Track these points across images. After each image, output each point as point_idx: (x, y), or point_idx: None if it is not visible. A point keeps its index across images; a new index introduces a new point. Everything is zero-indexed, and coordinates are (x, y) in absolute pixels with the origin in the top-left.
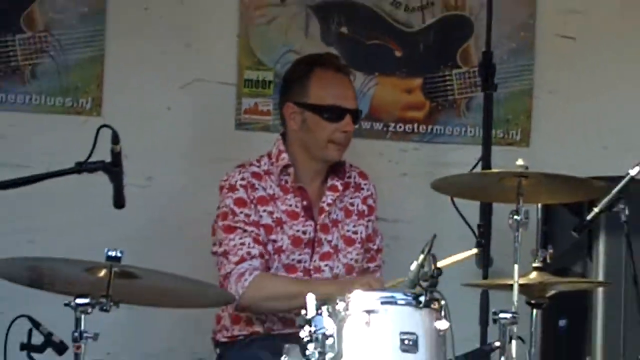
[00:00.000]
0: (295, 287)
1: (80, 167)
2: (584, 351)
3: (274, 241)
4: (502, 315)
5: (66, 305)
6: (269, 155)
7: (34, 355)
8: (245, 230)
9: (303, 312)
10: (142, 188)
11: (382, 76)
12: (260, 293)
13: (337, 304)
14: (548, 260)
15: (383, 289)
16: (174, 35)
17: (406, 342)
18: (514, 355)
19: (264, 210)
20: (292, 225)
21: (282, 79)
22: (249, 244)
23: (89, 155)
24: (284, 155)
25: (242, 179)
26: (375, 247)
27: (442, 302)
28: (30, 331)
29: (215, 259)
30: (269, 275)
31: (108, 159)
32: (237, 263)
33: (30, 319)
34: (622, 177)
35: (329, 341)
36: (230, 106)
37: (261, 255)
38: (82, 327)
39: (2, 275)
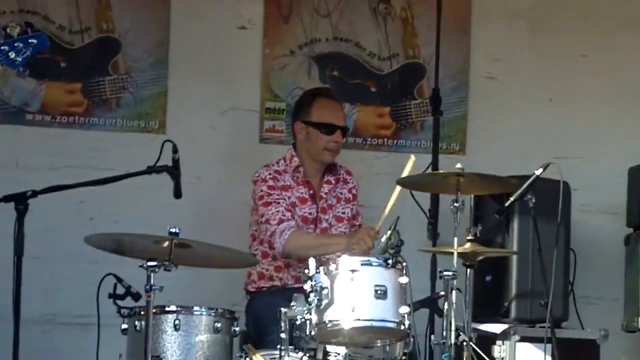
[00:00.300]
0: (320, 239)
1: (151, 170)
2: (503, 298)
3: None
4: (445, 273)
5: (140, 266)
6: (284, 159)
7: (118, 302)
8: (278, 203)
9: (306, 271)
10: (192, 184)
11: (362, 105)
12: (296, 244)
13: (330, 265)
14: (478, 235)
15: (361, 255)
16: (217, 77)
17: (378, 292)
18: (454, 301)
19: (286, 194)
20: (302, 208)
21: (294, 105)
22: (282, 211)
23: (157, 161)
24: (295, 158)
25: (269, 173)
26: (357, 223)
27: (404, 264)
28: (115, 285)
29: (251, 234)
30: (301, 231)
31: (170, 164)
32: (277, 224)
33: (115, 276)
34: (530, 176)
35: (325, 292)
36: (255, 127)
37: (292, 217)
38: (152, 282)
39: (96, 246)
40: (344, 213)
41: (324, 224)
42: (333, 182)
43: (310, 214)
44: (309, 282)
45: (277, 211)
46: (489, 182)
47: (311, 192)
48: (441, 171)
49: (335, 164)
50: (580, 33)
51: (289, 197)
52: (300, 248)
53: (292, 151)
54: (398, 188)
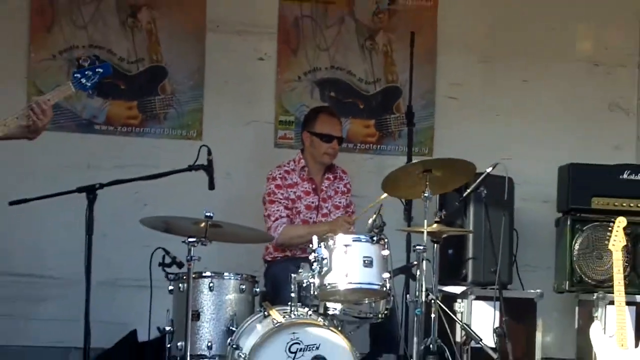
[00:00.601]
0: (307, 229)
1: (191, 168)
2: (462, 267)
3: (297, 207)
4: (418, 247)
5: (183, 242)
6: (293, 161)
7: (166, 269)
8: (280, 202)
9: (310, 245)
10: (223, 179)
11: (353, 119)
12: (287, 236)
13: (329, 241)
14: (442, 218)
15: (353, 233)
16: (241, 96)
17: (366, 261)
18: (424, 268)
19: (292, 191)
20: (306, 199)
21: (302, 118)
22: (281, 210)
23: (195, 161)
24: (302, 160)
25: (279, 173)
26: (350, 210)
27: (386, 240)
28: (163, 256)
29: (264, 218)
30: (291, 226)
31: (205, 163)
32: (274, 220)
33: (164, 249)
34: (483, 173)
35: (325, 261)
36: (271, 135)
37: (287, 216)
38: (192, 254)
39: (149, 226)
40: (340, 202)
41: (324, 211)
42: (332, 178)
43: (313, 203)
44: (312, 254)
45: (277, 210)
46: (451, 173)
47: (313, 186)
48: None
49: (333, 164)
50: (521, 63)
51: (295, 193)
52: (292, 238)
53: (300, 155)
54: (383, 195)
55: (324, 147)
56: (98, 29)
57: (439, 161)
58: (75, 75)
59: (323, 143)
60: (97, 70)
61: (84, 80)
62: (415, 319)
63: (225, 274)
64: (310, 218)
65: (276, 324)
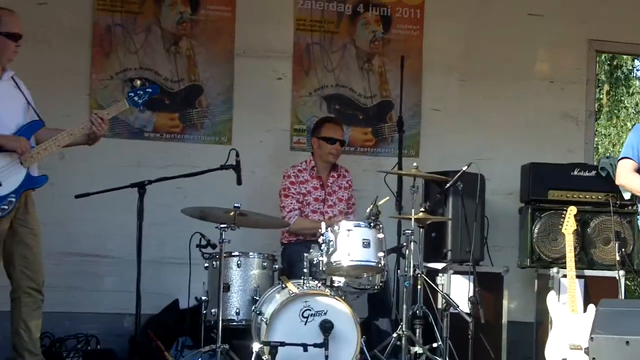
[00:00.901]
0: (311, 224)
1: (222, 167)
2: (442, 247)
3: (307, 200)
4: (407, 231)
5: (216, 227)
6: (305, 162)
7: (202, 249)
8: (293, 197)
9: (319, 230)
10: (248, 176)
11: (354, 127)
12: (297, 227)
13: (335, 226)
14: (427, 208)
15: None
16: (263, 109)
17: (364, 243)
18: (412, 248)
19: (303, 187)
20: (314, 193)
21: (312, 126)
22: (293, 203)
23: (226, 162)
24: (312, 161)
25: (293, 172)
26: (351, 202)
27: (380, 225)
28: (200, 239)
29: (280, 209)
30: (301, 219)
31: (234, 163)
32: (288, 212)
33: (200, 234)
34: (459, 171)
35: (331, 243)
36: (287, 140)
37: (299, 208)
38: (223, 237)
39: (188, 214)
40: (342, 196)
41: (330, 203)
42: (336, 176)
43: (320, 196)
44: (321, 237)
45: (290, 203)
46: (430, 174)
47: (321, 183)
48: (404, 171)
49: (337, 165)
50: (492, 81)
51: (305, 188)
52: (300, 229)
53: (310, 157)
54: (385, 198)
55: (328, 148)
56: (147, 54)
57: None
58: (129, 94)
59: (328, 145)
60: (147, 90)
61: (137, 99)
62: (405, 289)
63: (250, 253)
64: (318, 209)
65: (291, 294)
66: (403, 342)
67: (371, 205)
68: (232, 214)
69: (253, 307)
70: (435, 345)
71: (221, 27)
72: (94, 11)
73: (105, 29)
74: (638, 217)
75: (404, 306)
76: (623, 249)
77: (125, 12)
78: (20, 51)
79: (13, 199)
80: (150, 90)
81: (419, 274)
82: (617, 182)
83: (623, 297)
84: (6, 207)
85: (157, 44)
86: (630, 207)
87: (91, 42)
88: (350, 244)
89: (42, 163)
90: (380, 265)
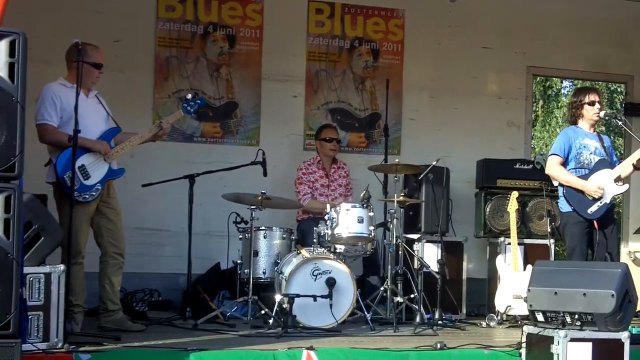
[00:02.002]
0: (319, 205)
1: (252, 163)
2: (418, 222)
3: (315, 186)
4: (391, 210)
5: (247, 208)
6: (313, 158)
7: (237, 225)
8: (305, 184)
9: (325, 210)
10: (272, 170)
11: (351, 133)
12: (309, 206)
13: (337, 207)
14: (406, 193)
15: (349, 203)
16: (283, 120)
17: (359, 219)
18: (394, 223)
19: (312, 176)
20: (320, 181)
21: (315, 132)
22: (306, 189)
23: (255, 158)
24: (318, 157)
25: (305, 165)
26: (349, 187)
27: (371, 206)
28: (236, 217)
29: (295, 193)
30: (312, 200)
31: (261, 160)
32: (302, 195)
33: (236, 213)
34: (430, 165)
35: (334, 219)
36: (301, 143)
37: (310, 193)
38: (253, 215)
39: (227, 198)
40: (342, 183)
41: (332, 188)
42: (336, 167)
43: (325, 183)
44: (326, 215)
45: (304, 189)
46: (410, 168)
47: (325, 172)
48: (389, 163)
49: (337, 159)
50: (454, 97)
51: (313, 177)
52: (312, 208)
53: (316, 154)
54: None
55: (328, 146)
56: (196, 79)
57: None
58: (183, 105)
59: (326, 143)
60: (197, 101)
61: (189, 108)
62: (389, 254)
63: (273, 227)
64: (324, 192)
65: (304, 258)
66: (388, 293)
67: (364, 191)
68: (259, 198)
69: (275, 268)
70: (412, 296)
71: (251, 58)
72: (156, 46)
73: (164, 60)
74: (559, 200)
75: (389, 267)
76: (553, 223)
77: (180, 47)
78: (101, 77)
79: (99, 187)
80: (199, 101)
81: (400, 242)
82: (546, 172)
83: (553, 259)
84: (94, 193)
85: (203, 71)
86: (557, 192)
87: (154, 70)
88: (348, 220)
89: (119, 160)
90: (371, 236)
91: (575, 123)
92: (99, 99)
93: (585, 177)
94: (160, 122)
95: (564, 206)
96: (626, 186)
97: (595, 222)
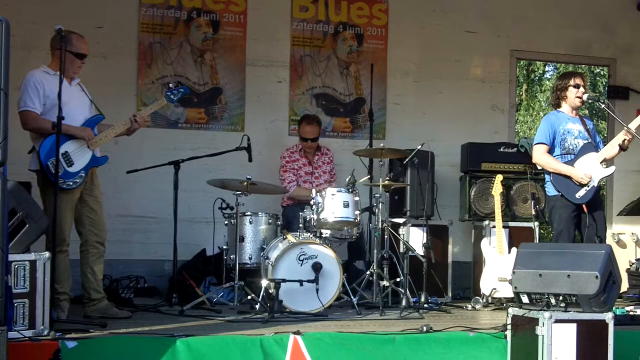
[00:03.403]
0: (305, 192)
1: (237, 148)
2: (403, 206)
3: (299, 173)
4: (376, 194)
5: (233, 194)
6: (296, 145)
7: (223, 211)
8: (289, 171)
9: (311, 195)
10: (257, 155)
11: (336, 118)
12: (295, 194)
13: (323, 191)
14: (391, 177)
15: (333, 188)
16: (268, 105)
17: (345, 204)
18: (380, 208)
19: (295, 164)
20: (304, 168)
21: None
22: (290, 176)
23: (240, 144)
24: (300, 146)
25: (288, 153)
26: (333, 173)
27: (357, 191)
28: (221, 202)
29: (279, 180)
30: (299, 187)
31: (246, 145)
32: (288, 183)
33: (222, 199)
34: (415, 149)
35: (319, 204)
36: (286, 128)
37: (295, 180)
38: (238, 201)
39: (212, 184)
40: (326, 169)
41: (316, 174)
42: (320, 154)
43: (309, 170)
44: (312, 200)
45: (288, 176)
46: (395, 152)
47: (308, 160)
48: (374, 147)
49: (321, 146)
50: (438, 82)
51: (297, 164)
52: (298, 196)
53: (299, 143)
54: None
55: (303, 144)
56: (180, 64)
57: (391, 150)
58: (167, 93)
59: (302, 142)
60: (180, 90)
61: (172, 97)
62: (375, 238)
63: (259, 213)
64: (308, 179)
65: (290, 243)
66: (374, 277)
67: (350, 176)
68: (245, 183)
69: (261, 254)
70: (398, 279)
71: (235, 44)
72: (139, 32)
73: (147, 45)
74: (546, 184)
75: (375, 251)
76: (537, 206)
77: (163, 33)
78: (84, 65)
79: (83, 174)
80: (182, 89)
81: (385, 226)
82: (533, 161)
83: (537, 242)
84: (78, 180)
85: (187, 57)
86: (542, 175)
87: (137, 56)
88: (334, 205)
89: (104, 146)
90: (356, 220)
91: (558, 106)
92: (82, 87)
93: (571, 162)
94: (134, 116)
95: (550, 190)
96: (612, 168)
97: (584, 206)
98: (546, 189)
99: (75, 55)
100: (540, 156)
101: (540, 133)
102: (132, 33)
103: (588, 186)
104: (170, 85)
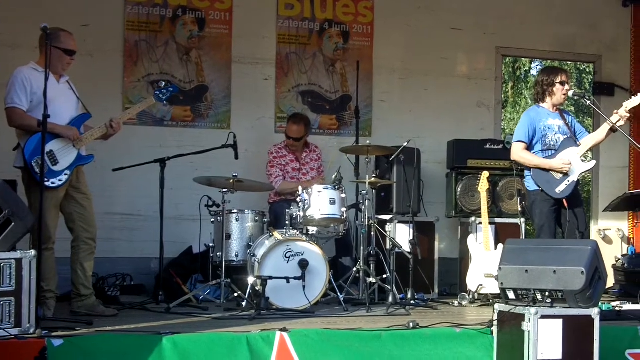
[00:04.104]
0: (292, 185)
1: (224, 146)
2: (390, 203)
3: (286, 169)
4: (362, 191)
5: (219, 191)
6: (284, 141)
7: (209, 208)
8: (277, 167)
9: (297, 192)
10: (243, 153)
11: (322, 115)
12: (282, 188)
13: (309, 188)
14: (377, 174)
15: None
16: (254, 102)
17: (331, 201)
18: (366, 205)
19: (283, 160)
20: (291, 164)
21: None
22: (277, 172)
23: (226, 142)
24: (287, 143)
25: (275, 149)
26: (321, 170)
27: (343, 188)
28: (207, 200)
29: (266, 176)
30: (284, 182)
31: (232, 143)
32: (274, 178)
33: (208, 196)
34: (401, 146)
35: (306, 201)
36: (272, 126)
37: (282, 176)
38: (225, 198)
39: (198, 182)
40: (313, 166)
41: (304, 171)
42: (308, 151)
43: (296, 166)
44: (298, 197)
45: (275, 172)
46: (380, 149)
47: (296, 156)
48: (360, 145)
49: (308, 142)
50: (424, 79)
51: (284, 160)
52: (284, 189)
53: (285, 139)
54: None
55: (288, 142)
56: (165, 62)
57: (377, 147)
58: (156, 92)
59: (289, 140)
60: (169, 89)
61: (161, 96)
62: (362, 235)
63: (246, 210)
64: (295, 176)
65: (277, 240)
66: (361, 274)
67: (336, 172)
68: (231, 181)
69: (248, 251)
70: (385, 276)
71: (221, 41)
72: (124, 31)
73: (133, 44)
74: (526, 179)
75: (361, 248)
76: (523, 202)
77: (149, 31)
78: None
79: (68, 173)
80: (171, 89)
81: (372, 223)
82: (512, 158)
83: (524, 238)
84: (63, 179)
85: (173, 55)
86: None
87: (123, 54)
88: (320, 202)
89: (90, 145)
90: (343, 217)
91: (542, 100)
92: (70, 85)
93: (551, 157)
94: (110, 121)
95: (531, 185)
96: (593, 162)
97: (564, 201)
98: (526, 184)
99: (63, 51)
100: (518, 152)
101: (520, 131)
102: (117, 31)
103: (569, 180)
104: (160, 84)
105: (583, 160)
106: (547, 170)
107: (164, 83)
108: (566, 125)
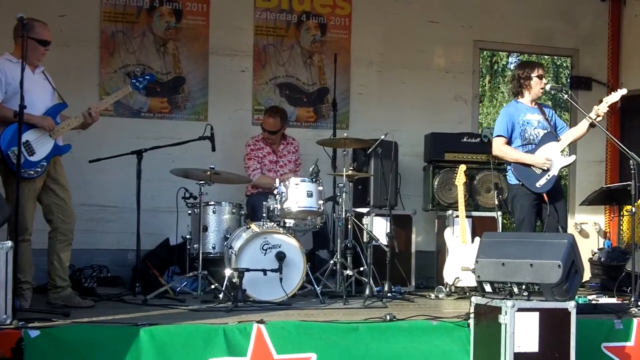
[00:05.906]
0: (269, 179)
1: (200, 138)
2: (367, 196)
3: (264, 162)
4: (340, 184)
5: (196, 183)
6: (261, 134)
7: (186, 200)
8: (254, 159)
9: (274, 184)
10: (220, 144)
11: (300, 107)
12: (259, 182)
13: (287, 181)
14: (355, 167)
15: (297, 177)
16: (231, 94)
17: (308, 193)
18: (344, 197)
19: (260, 152)
20: (268, 157)
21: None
22: (255, 164)
23: (203, 133)
24: (263, 135)
25: (253, 142)
26: (298, 162)
27: (320, 180)
28: (184, 192)
29: (244, 169)
30: (262, 175)
31: (209, 135)
32: (252, 171)
33: (185, 188)
34: (378, 139)
35: (283, 194)
36: (249, 118)
37: (259, 168)
38: (201, 191)
39: (175, 174)
40: (290, 159)
41: (280, 164)
42: (285, 144)
43: (273, 159)
44: (276, 190)
45: (253, 164)
46: (359, 142)
47: (273, 149)
48: (338, 137)
49: (286, 135)
50: (402, 72)
51: (262, 153)
52: (262, 183)
53: (262, 132)
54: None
55: (263, 134)
56: (142, 53)
57: (354, 140)
58: (132, 80)
59: (265, 133)
60: (146, 77)
61: (138, 84)
62: (339, 228)
63: (223, 202)
64: (272, 168)
65: (254, 232)
66: (338, 267)
67: (313, 165)
68: (208, 173)
69: (225, 243)
70: (362, 269)
71: (198, 33)
72: (101, 21)
73: (110, 34)
74: (507, 173)
75: (338, 240)
76: (500, 196)
77: (125, 21)
78: (47, 53)
79: (45, 164)
80: (148, 77)
81: (349, 216)
82: (493, 153)
83: (500, 231)
84: (39, 169)
85: (150, 46)
86: (504, 165)
87: (99, 45)
88: (297, 194)
89: (67, 135)
90: (320, 210)
91: (521, 95)
92: (46, 75)
93: (532, 152)
94: (89, 110)
95: (511, 179)
96: (573, 157)
97: (545, 196)
98: (507, 178)
99: (38, 42)
100: (499, 147)
101: (499, 125)
102: (94, 22)
103: (549, 175)
104: (136, 72)
105: (563, 155)
106: (528, 165)
107: (140, 72)
108: (546, 119)
